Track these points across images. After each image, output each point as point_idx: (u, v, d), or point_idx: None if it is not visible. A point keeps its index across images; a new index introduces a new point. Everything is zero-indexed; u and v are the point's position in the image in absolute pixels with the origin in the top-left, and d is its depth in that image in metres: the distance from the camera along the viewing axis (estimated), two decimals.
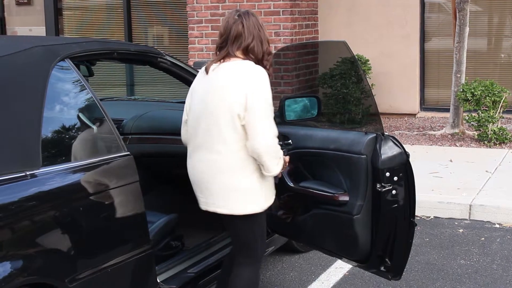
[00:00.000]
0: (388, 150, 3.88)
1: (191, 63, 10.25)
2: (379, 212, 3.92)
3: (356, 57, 9.89)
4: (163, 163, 5.13)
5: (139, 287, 3.72)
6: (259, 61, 3.79)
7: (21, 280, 3.00)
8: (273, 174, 3.76)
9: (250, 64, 3.75)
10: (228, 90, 3.68)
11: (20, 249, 3.04)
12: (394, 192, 3.89)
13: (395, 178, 3.88)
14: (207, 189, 3.78)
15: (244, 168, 3.71)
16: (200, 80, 3.89)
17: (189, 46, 10.57)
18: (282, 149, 3.99)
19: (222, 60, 3.78)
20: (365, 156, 3.90)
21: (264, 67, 3.78)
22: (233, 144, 3.68)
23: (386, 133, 3.96)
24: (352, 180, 3.96)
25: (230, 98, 3.65)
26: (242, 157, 3.70)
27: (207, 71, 3.84)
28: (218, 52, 3.84)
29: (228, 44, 3.78)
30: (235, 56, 3.77)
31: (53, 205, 3.22)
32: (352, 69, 9.86)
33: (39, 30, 12.67)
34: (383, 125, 10.03)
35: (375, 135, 3.93)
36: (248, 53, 3.78)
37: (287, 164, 3.94)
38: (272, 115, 3.70)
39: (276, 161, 3.72)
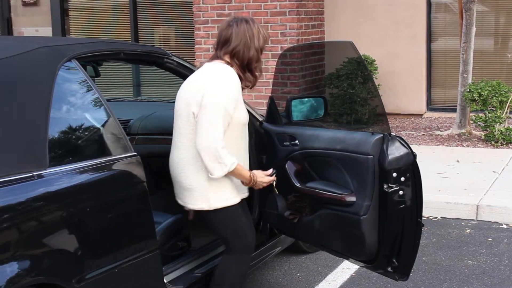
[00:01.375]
0: (395, 151, 3.87)
1: (197, 64, 10.24)
2: (386, 213, 3.91)
3: (362, 57, 9.88)
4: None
5: (146, 287, 3.72)
6: (244, 67, 3.95)
7: (28, 280, 3.01)
8: (215, 176, 3.80)
9: (222, 66, 3.92)
10: (191, 88, 3.91)
11: (27, 250, 3.04)
12: (401, 192, 3.88)
13: (402, 179, 3.86)
14: (175, 184, 4.05)
15: (192, 165, 3.88)
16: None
17: (195, 46, 10.57)
18: (289, 149, 4.03)
19: (208, 62, 4.00)
20: (372, 156, 3.89)
21: (251, 73, 3.97)
22: (187, 140, 3.88)
23: (393, 134, 3.95)
24: (359, 181, 3.95)
25: (190, 95, 3.87)
26: (193, 154, 3.85)
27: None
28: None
29: (218, 48, 3.99)
30: (221, 59, 3.95)
31: (60, 206, 3.22)
32: (359, 69, 9.85)
33: (46, 31, 12.69)
34: (390, 126, 10.02)
35: (382, 135, 3.92)
36: (234, 57, 3.93)
37: (263, 184, 4.04)
38: (221, 120, 3.76)
39: (216, 165, 3.76)
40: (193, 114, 3.83)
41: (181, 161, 3.93)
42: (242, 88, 3.99)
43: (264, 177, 4.06)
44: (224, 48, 3.96)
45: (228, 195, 3.95)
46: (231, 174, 3.86)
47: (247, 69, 3.97)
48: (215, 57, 4.00)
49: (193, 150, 3.85)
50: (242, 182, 3.97)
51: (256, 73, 4.03)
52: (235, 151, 3.88)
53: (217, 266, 4.08)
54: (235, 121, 3.88)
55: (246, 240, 4.05)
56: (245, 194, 4.07)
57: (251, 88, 4.08)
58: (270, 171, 4.13)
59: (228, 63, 3.94)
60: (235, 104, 3.85)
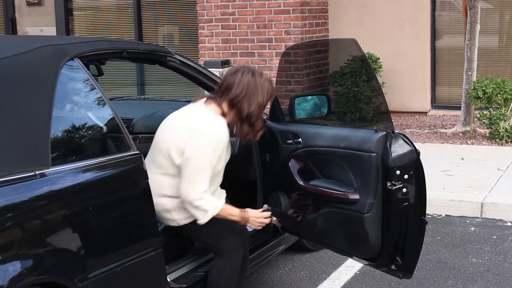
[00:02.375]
0: (399, 148, 3.85)
1: (201, 62, 10.26)
2: (389, 211, 3.90)
3: (366, 55, 9.86)
4: None
5: (149, 286, 3.72)
6: (242, 119, 3.82)
7: (31, 279, 3.01)
8: (201, 222, 3.82)
9: (213, 118, 3.80)
10: (174, 130, 3.81)
11: (30, 249, 3.04)
12: (404, 190, 3.86)
13: (406, 176, 3.85)
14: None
15: (167, 189, 3.87)
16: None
17: (199, 45, 10.57)
18: (292, 147, 4.03)
19: (203, 100, 3.89)
20: (375, 154, 3.88)
21: (251, 127, 3.84)
22: (162, 170, 3.86)
23: (396, 131, 3.94)
24: (363, 178, 3.94)
25: (172, 137, 3.77)
26: (168, 182, 3.86)
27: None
28: None
29: (218, 92, 3.88)
30: (218, 106, 3.83)
31: (62, 205, 3.22)
32: (363, 67, 9.84)
33: (50, 31, 12.70)
34: (394, 123, 10.04)
35: (385, 133, 3.91)
36: (233, 107, 3.81)
37: (258, 223, 4.02)
38: (206, 171, 3.75)
39: (198, 212, 3.78)
40: (172, 158, 3.77)
41: (155, 187, 3.82)
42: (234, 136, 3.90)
43: (257, 217, 3.99)
44: (225, 95, 3.84)
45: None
46: (219, 216, 3.85)
47: (246, 122, 3.84)
48: (213, 99, 3.87)
49: (167, 179, 3.85)
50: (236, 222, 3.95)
51: (256, 129, 3.89)
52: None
53: (209, 271, 4.03)
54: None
55: (232, 240, 4.01)
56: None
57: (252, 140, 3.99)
58: (265, 207, 4.09)
59: (223, 113, 3.83)
60: (219, 158, 3.81)
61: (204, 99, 3.94)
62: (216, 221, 3.91)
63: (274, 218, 4.08)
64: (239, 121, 3.85)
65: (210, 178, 3.82)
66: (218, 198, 3.98)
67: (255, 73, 3.85)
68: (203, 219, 3.80)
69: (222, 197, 4.06)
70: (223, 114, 3.86)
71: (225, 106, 3.84)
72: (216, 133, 3.77)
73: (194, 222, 3.88)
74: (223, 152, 3.85)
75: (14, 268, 2.94)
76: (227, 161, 4.01)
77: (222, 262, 4.00)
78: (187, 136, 3.75)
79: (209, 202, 3.79)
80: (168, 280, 3.86)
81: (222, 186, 4.43)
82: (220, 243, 4.00)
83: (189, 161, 3.72)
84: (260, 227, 3.99)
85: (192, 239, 4.13)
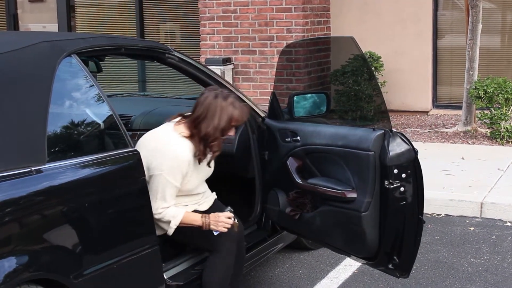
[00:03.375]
0: (396, 147, 3.85)
1: (202, 60, 10.25)
2: (387, 209, 3.89)
3: (364, 53, 9.84)
4: None
5: (146, 283, 3.71)
6: (199, 140, 3.89)
7: (26, 276, 3.00)
8: (168, 233, 3.91)
9: (174, 140, 3.88)
10: (146, 147, 3.85)
11: (24, 245, 3.03)
12: (402, 189, 3.86)
13: (403, 175, 3.85)
14: None
15: None
16: None
17: (201, 42, 10.56)
18: (290, 145, 4.07)
19: (176, 120, 3.99)
20: (373, 152, 3.87)
21: (206, 147, 3.91)
22: None
23: (394, 130, 3.93)
24: (360, 177, 3.94)
25: (144, 153, 3.77)
26: None
27: None
28: None
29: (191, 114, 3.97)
30: (187, 128, 3.91)
31: (58, 201, 3.21)
32: (364, 66, 9.82)
33: (53, 27, 12.70)
34: (396, 123, 10.03)
35: (383, 131, 3.90)
36: (195, 128, 3.89)
37: (220, 224, 3.96)
38: (168, 192, 3.82)
39: (165, 225, 3.89)
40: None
41: None
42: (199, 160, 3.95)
43: (218, 220, 3.96)
44: (191, 115, 3.95)
45: (173, 215, 3.95)
46: (183, 224, 3.91)
47: (203, 142, 3.90)
48: (183, 122, 3.96)
49: None
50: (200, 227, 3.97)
51: (209, 150, 3.93)
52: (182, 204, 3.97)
53: (203, 270, 4.03)
54: (182, 188, 3.91)
55: (221, 237, 4.00)
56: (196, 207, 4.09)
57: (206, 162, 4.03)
58: (228, 208, 4.07)
59: (191, 133, 3.90)
60: (182, 177, 3.86)
61: (178, 118, 4.01)
62: (184, 233, 3.99)
63: (235, 221, 4.04)
64: (198, 140, 3.91)
65: (183, 195, 3.95)
66: (199, 206, 4.09)
67: (218, 96, 3.92)
68: (169, 230, 3.90)
69: (192, 207, 4.06)
70: (192, 135, 3.91)
71: (191, 124, 3.92)
72: (175, 155, 3.84)
73: (177, 229, 3.94)
74: (190, 172, 3.90)
75: (9, 264, 2.93)
76: (203, 178, 4.08)
77: (214, 259, 4.01)
78: (151, 156, 3.82)
79: (169, 214, 3.87)
80: (165, 277, 3.85)
81: (222, 184, 4.43)
82: (209, 241, 4.01)
83: (151, 179, 3.82)
84: (224, 229, 3.95)
85: (184, 243, 4.14)
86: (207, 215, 3.98)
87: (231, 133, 4.01)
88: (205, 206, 4.15)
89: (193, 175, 3.95)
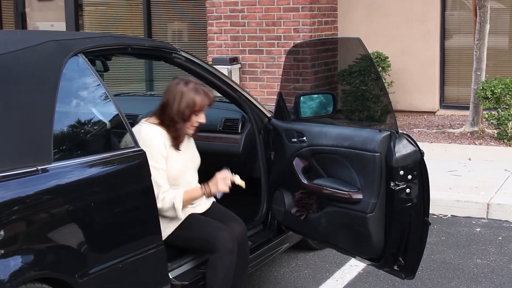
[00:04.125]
0: (402, 148, 3.84)
1: (210, 59, 10.25)
2: (392, 211, 3.89)
3: (370, 54, 9.83)
4: None
5: (151, 282, 3.71)
6: (169, 125, 4.05)
7: (32, 274, 3.01)
8: (179, 217, 4.01)
9: (140, 127, 4.04)
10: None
11: (31, 244, 3.03)
12: (408, 190, 3.85)
13: (409, 177, 3.84)
14: None
15: None
16: None
17: (208, 42, 10.56)
18: (296, 145, 4.19)
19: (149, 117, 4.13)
20: (379, 154, 3.87)
21: (176, 130, 4.05)
22: None
23: (400, 131, 3.93)
24: (366, 178, 3.93)
25: None
26: None
27: None
28: None
29: None
30: (157, 117, 4.08)
31: (64, 200, 3.21)
32: (371, 66, 9.81)
33: (61, 26, 12.73)
34: (403, 123, 10.02)
35: (389, 133, 3.90)
36: (162, 114, 4.06)
37: (221, 186, 4.04)
38: (158, 176, 3.91)
39: (171, 211, 3.96)
40: None
41: None
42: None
43: (217, 181, 4.04)
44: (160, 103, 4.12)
45: (170, 220, 4.04)
46: (187, 203, 4.01)
47: (171, 127, 4.05)
48: (154, 114, 4.12)
49: None
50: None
51: (174, 132, 4.06)
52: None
53: (206, 271, 4.06)
54: (170, 174, 3.99)
55: (217, 238, 4.02)
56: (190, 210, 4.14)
57: (178, 146, 4.10)
58: (224, 168, 4.11)
59: (161, 122, 4.05)
60: (164, 159, 3.95)
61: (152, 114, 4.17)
62: (192, 226, 4.05)
63: (237, 176, 4.07)
64: (166, 125, 4.06)
65: (170, 182, 4.01)
66: (194, 208, 4.16)
67: (180, 82, 4.09)
68: (177, 213, 3.96)
69: (189, 210, 4.15)
70: (161, 121, 4.06)
71: (159, 114, 4.08)
72: (147, 139, 3.95)
73: (174, 233, 4.01)
74: (171, 155, 4.01)
75: (15, 262, 2.95)
76: (190, 166, 4.16)
77: (214, 260, 4.02)
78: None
79: (168, 196, 3.94)
80: (170, 277, 3.85)
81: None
82: (208, 243, 4.03)
83: None
84: (225, 188, 4.04)
85: (185, 247, 4.15)
86: (205, 183, 4.06)
87: (200, 119, 4.11)
88: (201, 208, 4.20)
89: (175, 159, 4.03)
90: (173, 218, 4.04)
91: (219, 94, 4.86)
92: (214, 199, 4.32)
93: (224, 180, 4.05)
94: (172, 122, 4.04)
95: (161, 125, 4.05)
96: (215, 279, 3.99)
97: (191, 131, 4.13)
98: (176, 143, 4.07)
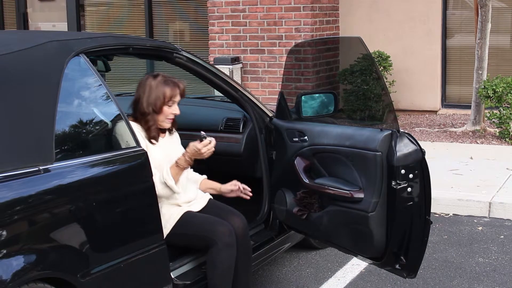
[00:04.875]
0: (404, 147, 3.85)
1: (211, 59, 10.26)
2: (394, 210, 3.89)
3: (372, 53, 9.83)
4: None
5: (153, 282, 3.72)
6: (142, 119, 4.10)
7: (34, 274, 3.02)
8: (175, 190, 4.05)
9: None
10: None
11: (33, 244, 3.04)
12: (409, 189, 3.86)
13: (411, 176, 3.84)
14: None
15: None
16: None
17: (210, 42, 10.57)
18: (298, 145, 4.26)
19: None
20: (380, 153, 3.87)
21: (149, 123, 4.08)
22: None
23: (401, 130, 3.93)
24: (367, 177, 3.94)
25: None
26: None
27: None
28: None
29: None
30: (131, 115, 4.12)
31: (66, 200, 3.22)
32: (373, 65, 9.80)
33: (63, 26, 12.73)
34: (404, 122, 10.02)
35: (390, 132, 3.90)
36: (135, 110, 4.13)
37: (201, 152, 4.04)
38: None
39: (166, 191, 4.02)
40: None
41: None
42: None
43: (196, 151, 4.04)
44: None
45: (167, 219, 4.06)
46: (177, 177, 4.03)
47: (144, 120, 4.09)
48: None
49: None
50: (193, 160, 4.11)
51: (145, 124, 4.09)
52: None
53: (206, 268, 4.07)
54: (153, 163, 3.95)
55: (213, 232, 4.03)
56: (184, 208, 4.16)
57: (154, 139, 4.13)
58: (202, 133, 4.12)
59: (134, 117, 4.10)
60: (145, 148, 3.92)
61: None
62: (189, 224, 4.05)
63: (208, 141, 4.07)
64: (140, 120, 4.10)
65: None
66: (189, 207, 4.21)
67: (149, 77, 4.14)
68: (173, 189, 4.01)
69: (185, 208, 4.20)
70: (135, 117, 4.11)
71: (133, 110, 4.13)
72: None
73: (173, 232, 4.03)
74: (151, 147, 4.03)
75: (17, 262, 2.95)
76: (172, 157, 4.11)
77: (212, 255, 4.02)
78: None
79: (156, 176, 3.94)
80: (172, 276, 3.86)
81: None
82: (203, 239, 4.04)
83: None
84: (206, 154, 4.05)
85: (184, 246, 4.16)
86: (184, 153, 4.09)
87: (174, 110, 4.13)
88: (197, 207, 4.22)
89: (157, 151, 4.05)
90: (170, 217, 4.05)
91: (220, 94, 4.87)
92: (210, 196, 4.33)
93: (204, 147, 4.04)
94: (143, 115, 4.07)
95: (135, 121, 4.08)
96: (214, 274, 4.00)
97: (167, 124, 4.14)
98: (150, 136, 4.09)
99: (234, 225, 4.13)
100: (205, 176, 4.50)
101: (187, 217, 4.11)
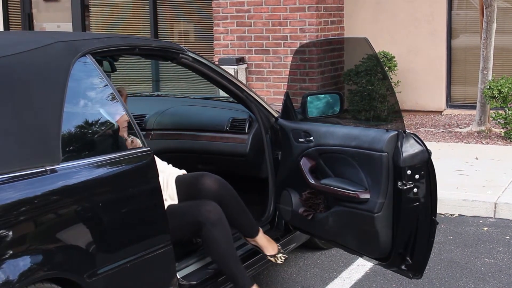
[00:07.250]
0: (410, 148, 3.84)
1: (216, 59, 10.26)
2: (400, 210, 3.89)
3: (377, 54, 9.82)
4: (184, 159, 5.14)
5: (159, 282, 3.73)
6: None
7: (41, 275, 3.02)
8: None
9: None
10: None
11: (39, 244, 3.05)
12: (415, 190, 3.85)
13: (417, 176, 3.84)
14: None
15: None
16: None
17: (214, 42, 10.57)
18: (303, 145, 4.26)
19: None
20: (386, 153, 3.87)
21: None
22: None
23: (407, 131, 3.93)
24: (373, 178, 3.94)
25: None
26: None
27: None
28: None
29: None
30: None
31: (72, 201, 3.23)
32: (378, 66, 9.80)
33: (68, 27, 12.75)
34: (409, 122, 10.01)
35: (396, 132, 3.90)
36: None
37: None
38: None
39: None
40: None
41: None
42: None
43: None
44: None
45: None
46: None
47: None
48: None
49: None
50: None
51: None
52: None
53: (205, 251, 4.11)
54: None
55: (197, 215, 4.03)
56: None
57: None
58: None
59: None
60: None
61: None
62: (172, 217, 3.97)
63: None
64: None
65: None
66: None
67: None
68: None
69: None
70: None
71: None
72: None
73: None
74: None
75: (24, 263, 2.96)
76: None
77: (204, 235, 4.01)
78: None
79: None
80: (178, 277, 3.86)
81: (235, 183, 4.45)
82: (191, 225, 4.04)
83: None
84: None
85: (180, 239, 4.14)
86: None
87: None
88: (172, 200, 4.25)
89: None
90: None
91: (225, 94, 4.87)
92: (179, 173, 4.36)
93: None
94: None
95: None
96: (214, 253, 4.02)
97: (123, 132, 3.99)
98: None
99: (206, 185, 4.16)
100: (184, 171, 4.48)
101: (171, 210, 4.07)
